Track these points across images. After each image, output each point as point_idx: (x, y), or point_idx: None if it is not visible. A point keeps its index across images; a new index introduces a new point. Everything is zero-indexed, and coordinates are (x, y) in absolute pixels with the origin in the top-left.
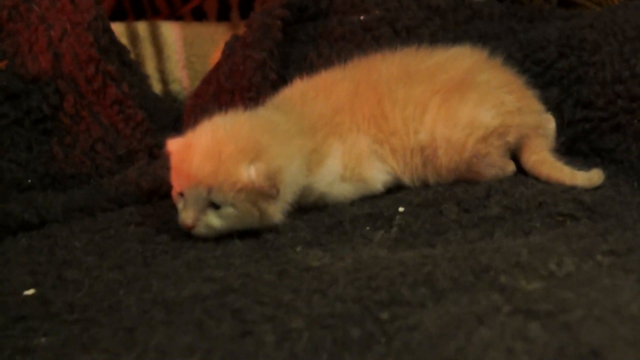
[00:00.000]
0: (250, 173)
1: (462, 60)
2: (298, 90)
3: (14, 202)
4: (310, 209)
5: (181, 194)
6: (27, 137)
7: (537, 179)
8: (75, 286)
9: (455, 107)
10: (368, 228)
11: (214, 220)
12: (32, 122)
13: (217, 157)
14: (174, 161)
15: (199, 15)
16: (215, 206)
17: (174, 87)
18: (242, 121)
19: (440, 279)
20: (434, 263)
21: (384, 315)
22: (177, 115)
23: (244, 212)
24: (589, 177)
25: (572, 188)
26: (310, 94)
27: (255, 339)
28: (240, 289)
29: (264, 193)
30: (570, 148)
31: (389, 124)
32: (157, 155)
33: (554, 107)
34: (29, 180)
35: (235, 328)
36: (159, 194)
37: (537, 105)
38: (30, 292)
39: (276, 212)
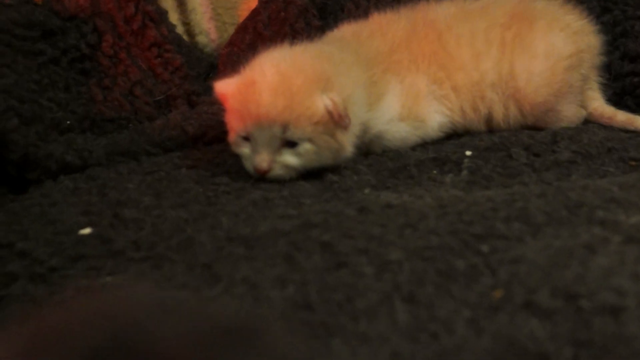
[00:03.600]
0: (326, 103)
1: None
2: (349, 31)
3: (54, 143)
4: (368, 154)
5: (245, 138)
6: (65, 77)
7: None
8: (137, 225)
9: (530, 37)
10: (435, 172)
11: (291, 159)
12: (69, 61)
13: (288, 90)
14: (233, 103)
15: None
16: (290, 144)
17: (201, 39)
18: (302, 52)
19: (534, 213)
20: (524, 199)
21: (485, 248)
22: (209, 65)
23: (321, 146)
24: None
25: (638, 135)
26: (364, 33)
27: (352, 270)
28: (323, 224)
29: (339, 123)
30: (617, 102)
31: (454, 60)
32: (195, 102)
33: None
34: (68, 122)
35: (328, 260)
36: (204, 140)
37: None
38: (87, 231)
39: (349, 144)
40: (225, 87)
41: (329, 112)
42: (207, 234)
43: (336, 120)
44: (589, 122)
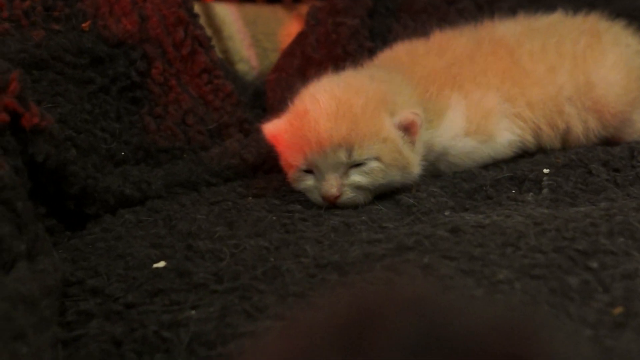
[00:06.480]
0: (392, 119)
1: (570, 17)
2: (403, 50)
3: (110, 176)
4: (439, 175)
5: (306, 171)
6: (116, 106)
7: None
8: (214, 255)
9: (599, 48)
10: (514, 191)
11: (360, 179)
12: (119, 89)
13: (349, 112)
14: (289, 138)
15: None
16: (356, 165)
17: (241, 67)
18: (354, 76)
19: (637, 227)
20: (622, 213)
21: (594, 264)
22: (254, 93)
23: (389, 163)
24: None
25: None
26: (420, 51)
27: (460, 293)
28: (418, 247)
29: (405, 139)
30: None
31: (529, 75)
32: (249, 130)
33: None
34: (123, 153)
35: (433, 284)
36: (263, 169)
37: None
38: (161, 264)
39: (416, 162)
40: (274, 127)
41: (396, 129)
42: (292, 262)
43: (401, 137)
44: None
